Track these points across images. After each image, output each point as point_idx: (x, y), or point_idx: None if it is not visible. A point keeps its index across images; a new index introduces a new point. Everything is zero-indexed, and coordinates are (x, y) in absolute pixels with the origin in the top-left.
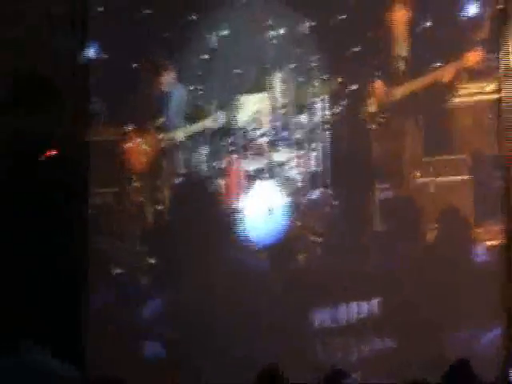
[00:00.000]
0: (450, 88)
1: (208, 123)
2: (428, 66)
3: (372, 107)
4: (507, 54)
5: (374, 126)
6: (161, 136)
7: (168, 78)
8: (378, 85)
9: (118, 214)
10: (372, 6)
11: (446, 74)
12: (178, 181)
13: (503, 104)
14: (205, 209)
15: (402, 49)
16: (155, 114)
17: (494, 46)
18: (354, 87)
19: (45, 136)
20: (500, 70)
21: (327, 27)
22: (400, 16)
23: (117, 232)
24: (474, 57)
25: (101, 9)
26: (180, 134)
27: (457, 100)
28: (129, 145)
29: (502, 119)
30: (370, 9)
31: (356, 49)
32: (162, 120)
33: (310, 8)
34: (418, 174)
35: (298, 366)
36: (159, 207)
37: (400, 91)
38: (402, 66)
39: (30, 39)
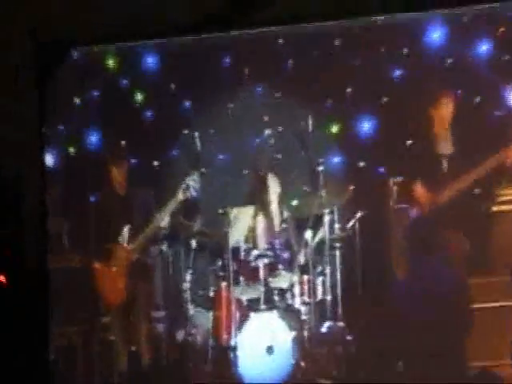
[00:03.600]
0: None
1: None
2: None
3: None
4: None
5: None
6: (131, 254)
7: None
8: (418, 187)
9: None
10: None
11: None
12: (156, 314)
13: None
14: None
15: (445, 146)
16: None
17: None
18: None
19: None
20: None
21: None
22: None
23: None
24: None
25: None
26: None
27: (500, 208)
28: (95, 270)
29: None
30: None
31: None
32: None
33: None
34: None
35: None
36: (134, 348)
37: (447, 192)
38: (445, 165)
39: None
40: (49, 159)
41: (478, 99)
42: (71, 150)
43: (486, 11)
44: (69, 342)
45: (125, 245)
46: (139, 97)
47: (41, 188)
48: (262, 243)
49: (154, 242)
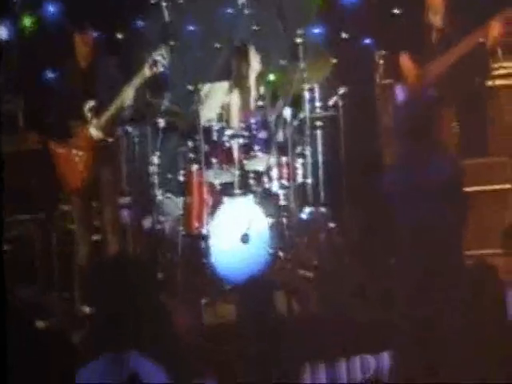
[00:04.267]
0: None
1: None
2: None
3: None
4: None
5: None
6: (94, 133)
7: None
8: (405, 60)
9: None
10: None
11: (491, 30)
12: (122, 200)
13: None
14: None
15: (436, 17)
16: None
17: None
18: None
19: None
20: None
21: None
22: None
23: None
24: None
25: None
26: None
27: (495, 83)
28: (54, 151)
29: None
30: None
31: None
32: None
33: None
34: None
35: None
36: (96, 237)
37: (434, 67)
38: (434, 36)
39: None
40: (2, 31)
41: None
42: (27, 20)
43: None
44: (25, 231)
45: (87, 124)
46: None
47: None
48: (237, 122)
49: (119, 121)
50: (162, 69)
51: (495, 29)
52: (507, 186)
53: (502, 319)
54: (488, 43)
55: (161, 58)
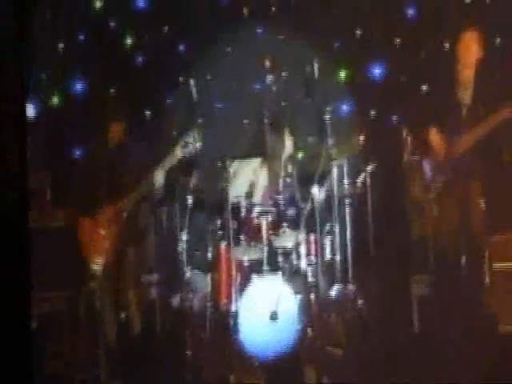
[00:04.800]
0: None
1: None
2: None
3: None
4: None
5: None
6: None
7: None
8: (434, 135)
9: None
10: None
11: None
12: (150, 278)
13: None
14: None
15: (465, 94)
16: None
17: None
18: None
19: None
20: None
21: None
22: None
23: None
24: None
25: None
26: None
27: None
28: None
29: None
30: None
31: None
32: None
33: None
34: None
35: None
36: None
37: (462, 142)
38: (463, 112)
39: None
40: (30, 109)
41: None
42: (55, 99)
43: None
44: (52, 308)
45: (115, 202)
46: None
47: (21, 140)
48: (265, 199)
49: (147, 199)
50: (193, 151)
51: None
52: None
53: None
54: None
55: (192, 141)
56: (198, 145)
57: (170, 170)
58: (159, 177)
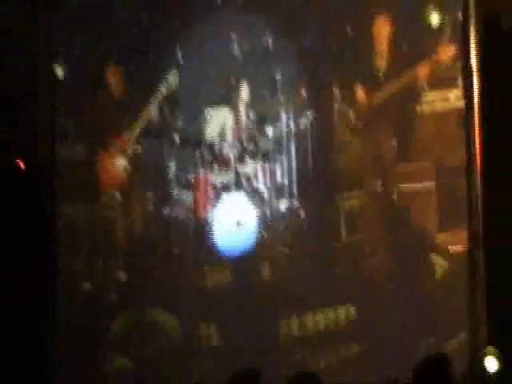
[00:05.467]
0: (422, 88)
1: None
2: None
3: (352, 114)
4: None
5: (350, 137)
6: (130, 147)
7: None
8: (359, 92)
9: (87, 229)
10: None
11: (421, 70)
12: (148, 195)
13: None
14: (175, 222)
15: (381, 59)
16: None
17: (456, 53)
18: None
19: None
20: (462, 77)
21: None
22: (382, 29)
23: (86, 248)
24: (445, 52)
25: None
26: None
27: (422, 108)
28: (97, 160)
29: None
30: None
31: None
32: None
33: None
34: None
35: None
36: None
37: (379, 96)
38: (381, 74)
39: None
40: (59, 72)
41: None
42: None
43: None
44: (74, 218)
45: (123, 136)
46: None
47: (53, 94)
48: (232, 137)
49: (145, 134)
50: (174, 87)
51: (423, 69)
52: (431, 183)
53: None
54: (417, 79)
55: (172, 79)
56: (178, 82)
57: (159, 108)
58: (152, 111)
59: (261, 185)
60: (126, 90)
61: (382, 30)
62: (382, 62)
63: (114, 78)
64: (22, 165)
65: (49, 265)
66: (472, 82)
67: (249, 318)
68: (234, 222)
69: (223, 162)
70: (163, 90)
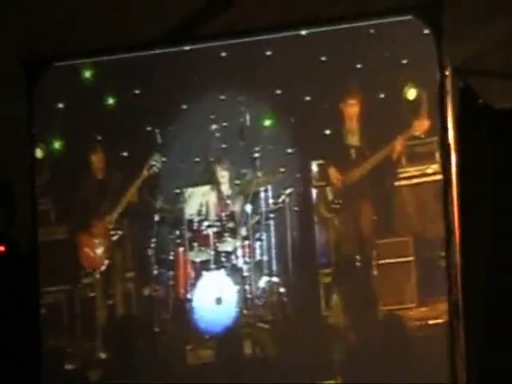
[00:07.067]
0: (398, 163)
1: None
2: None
3: (329, 195)
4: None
5: (329, 215)
6: (111, 229)
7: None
8: (332, 171)
9: (68, 311)
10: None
11: (396, 145)
12: (128, 274)
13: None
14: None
15: (354, 138)
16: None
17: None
18: (298, 175)
19: None
20: (440, 151)
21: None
22: (352, 110)
23: (69, 329)
24: (420, 126)
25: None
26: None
27: (401, 183)
28: (79, 241)
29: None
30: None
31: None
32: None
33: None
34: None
35: None
36: (111, 302)
37: (354, 174)
38: (353, 153)
39: None
40: (38, 152)
41: (382, 96)
42: (56, 144)
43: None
44: (56, 299)
45: (104, 219)
46: (111, 100)
47: (32, 175)
48: (212, 216)
49: (126, 215)
50: (156, 170)
51: (399, 145)
52: (410, 258)
53: None
54: (394, 155)
55: (155, 163)
56: (159, 166)
57: (140, 191)
58: (133, 193)
59: (240, 262)
60: (108, 172)
61: (352, 109)
62: (354, 140)
63: (96, 160)
64: (2, 248)
65: (33, 346)
66: (450, 156)
67: None
68: (214, 300)
69: (202, 241)
70: (144, 172)
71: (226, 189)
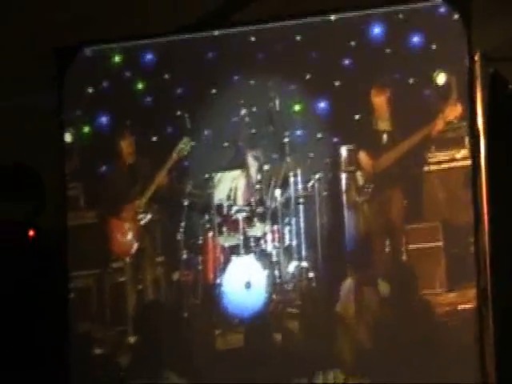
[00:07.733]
0: (428, 148)
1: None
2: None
3: (359, 180)
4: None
5: (361, 199)
6: (140, 214)
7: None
8: (363, 156)
9: (98, 295)
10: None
11: (433, 127)
12: (158, 260)
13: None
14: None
15: (384, 123)
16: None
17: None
18: (328, 160)
19: (23, 221)
20: (469, 137)
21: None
22: (382, 95)
23: (98, 313)
24: (451, 111)
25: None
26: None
27: (430, 168)
28: (108, 226)
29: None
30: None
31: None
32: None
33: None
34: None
35: None
36: (140, 287)
37: (384, 160)
38: (384, 138)
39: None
40: (67, 137)
41: (411, 81)
42: (86, 129)
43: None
44: (85, 284)
45: (134, 203)
46: (140, 85)
47: (61, 161)
48: (241, 200)
49: (155, 200)
50: (185, 154)
51: (438, 126)
52: (439, 243)
53: None
54: (426, 140)
55: (184, 146)
56: (189, 150)
57: (169, 175)
58: (163, 177)
59: (269, 247)
60: (137, 156)
61: (383, 94)
62: (386, 125)
63: (125, 146)
64: (32, 232)
65: (62, 331)
66: (479, 141)
67: (261, 380)
68: (243, 285)
69: (232, 225)
70: (174, 156)
71: (255, 174)
